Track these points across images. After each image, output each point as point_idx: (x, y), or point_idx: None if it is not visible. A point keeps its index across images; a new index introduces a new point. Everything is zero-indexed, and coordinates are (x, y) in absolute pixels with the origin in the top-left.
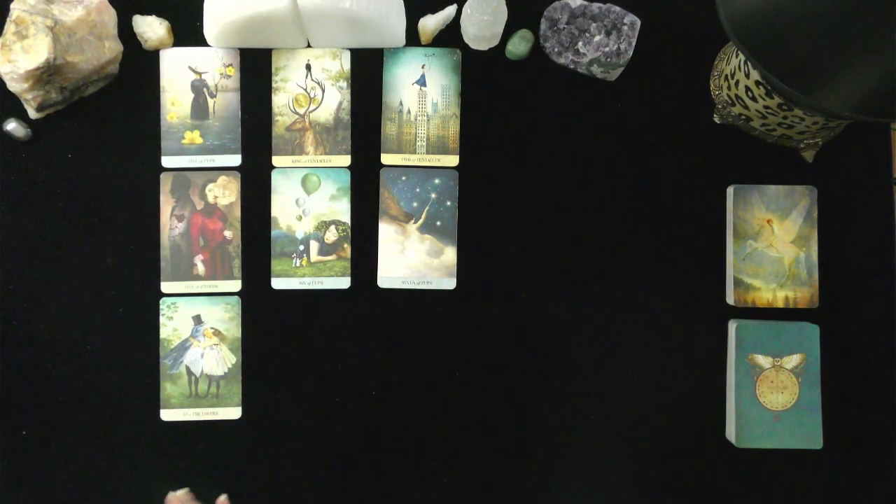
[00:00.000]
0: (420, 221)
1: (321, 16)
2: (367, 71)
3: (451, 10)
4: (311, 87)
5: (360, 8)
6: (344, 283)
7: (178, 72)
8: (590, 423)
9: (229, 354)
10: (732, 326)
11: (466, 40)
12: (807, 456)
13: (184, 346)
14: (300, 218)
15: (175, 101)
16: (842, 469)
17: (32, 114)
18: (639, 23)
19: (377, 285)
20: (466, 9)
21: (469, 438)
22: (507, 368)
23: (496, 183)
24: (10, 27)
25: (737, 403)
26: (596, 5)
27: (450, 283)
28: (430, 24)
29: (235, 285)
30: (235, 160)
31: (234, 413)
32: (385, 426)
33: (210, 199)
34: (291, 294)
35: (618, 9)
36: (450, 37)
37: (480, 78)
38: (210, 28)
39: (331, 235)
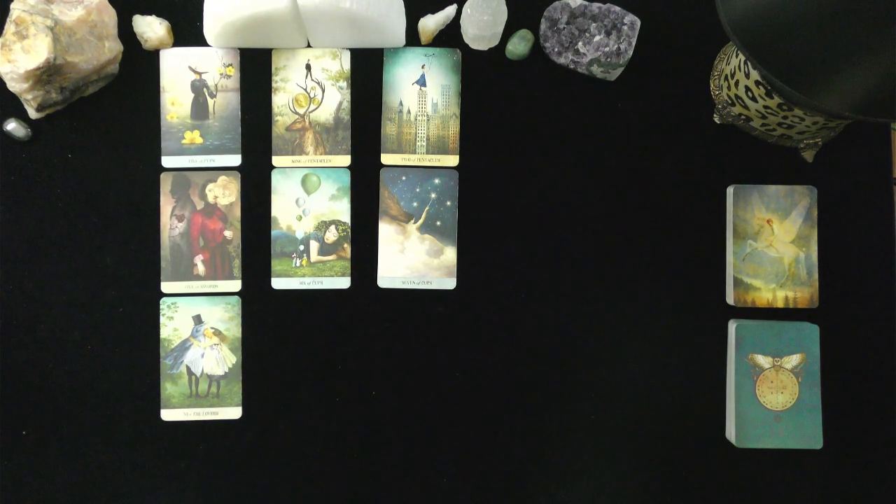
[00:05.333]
0: (420, 221)
1: (321, 16)
2: (367, 71)
3: (451, 10)
4: (311, 87)
5: (360, 8)
6: (344, 283)
7: (178, 72)
8: (590, 423)
9: (229, 354)
10: (732, 326)
11: (466, 40)
12: (807, 456)
13: (184, 346)
14: (300, 218)
15: (175, 101)
16: (842, 469)
17: (32, 114)
18: (639, 23)
19: (377, 285)
20: (466, 9)
21: (469, 438)
22: (507, 368)
23: (496, 183)
24: (10, 27)
25: (737, 403)
26: (596, 5)
27: (450, 283)
28: (430, 24)
29: (235, 285)
30: (235, 160)
31: (234, 413)
32: (385, 426)
33: (210, 199)
34: (291, 294)
35: (618, 9)
36: (450, 37)
37: (480, 78)
38: (210, 28)
39: (331, 235)
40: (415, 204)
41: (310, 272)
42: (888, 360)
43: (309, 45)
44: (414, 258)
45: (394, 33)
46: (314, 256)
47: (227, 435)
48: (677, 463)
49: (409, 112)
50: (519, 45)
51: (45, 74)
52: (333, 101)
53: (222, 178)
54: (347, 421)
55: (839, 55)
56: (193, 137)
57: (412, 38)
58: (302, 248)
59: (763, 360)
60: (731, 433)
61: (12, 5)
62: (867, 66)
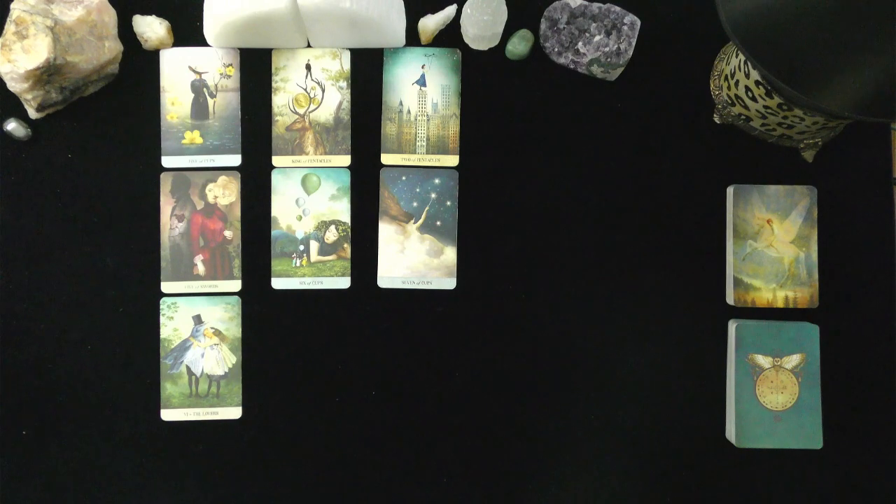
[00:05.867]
0: (420, 221)
1: (321, 16)
2: (367, 71)
3: (451, 10)
4: (311, 87)
5: (360, 8)
6: (344, 283)
7: (178, 72)
8: (590, 423)
9: (229, 354)
10: (732, 326)
11: (466, 40)
12: (807, 456)
13: (184, 346)
14: (300, 218)
15: (175, 101)
16: (842, 469)
17: (32, 114)
18: (639, 23)
19: (377, 285)
20: (466, 9)
21: (469, 438)
22: (507, 368)
23: (496, 183)
24: (10, 27)
25: (737, 403)
26: (596, 5)
27: (450, 283)
28: (430, 24)
29: (235, 285)
30: (235, 160)
31: (234, 413)
32: (385, 426)
33: (210, 199)
34: (291, 294)
35: (618, 9)
36: (450, 37)
37: (480, 78)
38: (210, 28)
39: (331, 235)
40: (415, 204)
41: (310, 272)
42: (888, 360)
43: (309, 45)
44: (414, 258)
45: (394, 33)
46: (314, 256)
47: (227, 435)
48: (677, 463)
49: (409, 112)
50: (519, 45)
51: (45, 74)
52: (333, 101)
53: (222, 178)
54: (347, 421)
55: (839, 55)
56: (193, 137)
57: (412, 38)
58: (302, 248)
59: (763, 360)
60: (731, 433)
61: (12, 5)
62: (867, 66)
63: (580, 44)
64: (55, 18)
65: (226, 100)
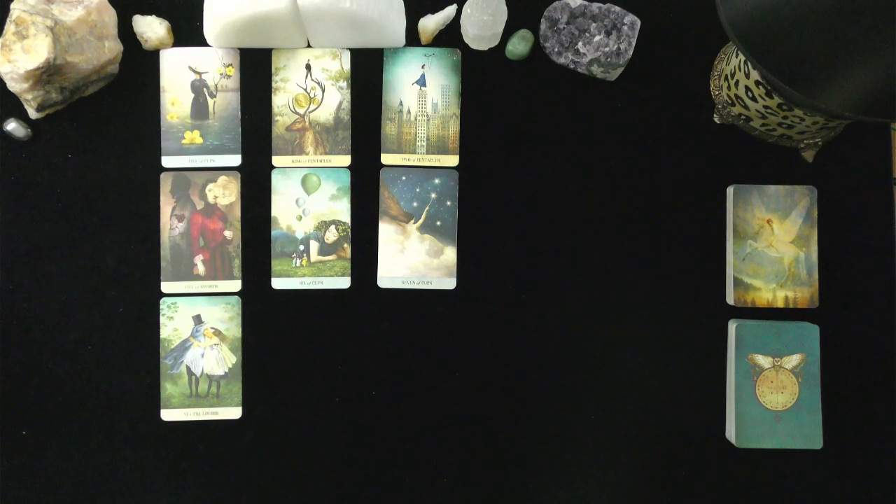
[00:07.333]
0: (420, 221)
1: (321, 16)
2: (367, 71)
3: (451, 10)
4: (311, 87)
5: (360, 8)
6: (344, 283)
7: (178, 72)
8: (590, 423)
9: (229, 354)
10: (732, 326)
11: (466, 40)
12: (807, 456)
13: (184, 346)
14: (300, 218)
15: (175, 101)
16: (842, 469)
17: (32, 114)
18: (639, 23)
19: (377, 285)
20: (466, 9)
21: (469, 438)
22: (507, 368)
23: (496, 183)
24: (10, 27)
25: (737, 403)
26: (596, 5)
27: (450, 283)
28: (430, 24)
29: (235, 285)
30: (235, 160)
31: (234, 413)
32: (385, 426)
33: (210, 199)
34: (291, 294)
35: (618, 9)
36: (450, 37)
37: (480, 78)
38: (210, 28)
39: (331, 235)
40: (415, 204)
41: (310, 272)
42: (888, 360)
43: (309, 45)
44: (414, 258)
45: (394, 33)
46: (314, 256)
47: (227, 435)
48: (677, 463)
49: (409, 112)
50: (519, 45)
51: (45, 74)
52: (333, 101)
53: (222, 178)
54: (347, 421)
55: (839, 55)
56: (193, 137)
57: (412, 38)
58: (302, 248)
59: (763, 360)
60: (731, 433)
61: (12, 5)
62: (867, 66)
63: (580, 44)
64: (55, 18)
65: (226, 100)
